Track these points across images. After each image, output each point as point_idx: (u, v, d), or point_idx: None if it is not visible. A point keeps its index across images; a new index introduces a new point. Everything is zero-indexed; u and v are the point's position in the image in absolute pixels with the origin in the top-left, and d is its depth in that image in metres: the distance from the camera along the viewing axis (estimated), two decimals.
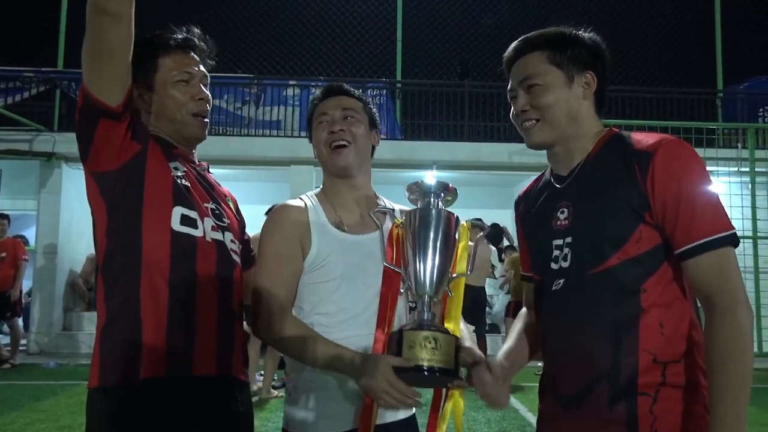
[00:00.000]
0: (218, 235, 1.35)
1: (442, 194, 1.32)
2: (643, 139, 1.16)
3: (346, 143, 1.44)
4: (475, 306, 6.86)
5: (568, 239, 1.19)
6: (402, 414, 1.40)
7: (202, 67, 1.38)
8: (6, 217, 7.35)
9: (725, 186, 8.97)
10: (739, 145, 9.07)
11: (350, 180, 1.47)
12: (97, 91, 1.17)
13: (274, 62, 10.64)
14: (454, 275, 1.35)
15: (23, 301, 7.78)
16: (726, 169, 8.84)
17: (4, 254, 7.05)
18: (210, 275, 1.30)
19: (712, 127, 9.25)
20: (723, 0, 10.93)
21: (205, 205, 1.36)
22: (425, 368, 1.15)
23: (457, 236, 1.33)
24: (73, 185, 8.57)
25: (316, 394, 1.37)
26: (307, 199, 1.48)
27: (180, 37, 1.34)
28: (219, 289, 1.32)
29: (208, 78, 1.40)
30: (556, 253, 1.21)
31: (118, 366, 1.21)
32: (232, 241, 1.40)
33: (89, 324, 8.35)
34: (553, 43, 1.22)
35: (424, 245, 1.26)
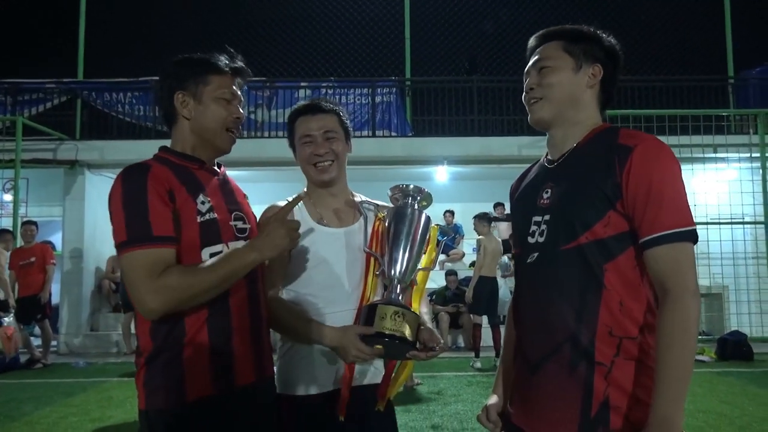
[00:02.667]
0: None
1: (419, 197, 1.60)
2: (629, 134, 1.25)
3: (330, 162, 1.67)
4: (490, 296, 6.91)
5: (547, 216, 1.29)
6: (371, 380, 1.65)
7: (240, 91, 1.55)
8: (34, 223, 7.62)
9: (737, 172, 8.95)
10: (751, 131, 9.04)
11: (331, 188, 1.72)
12: None
13: (285, 64, 10.81)
14: (420, 268, 1.61)
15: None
16: (737, 155, 8.82)
17: (33, 259, 7.32)
18: (241, 292, 1.45)
19: (724, 113, 9.18)
20: None
21: (231, 209, 1.51)
22: (394, 336, 1.42)
23: (428, 236, 1.59)
24: (95, 191, 8.85)
25: (305, 360, 1.60)
26: None
27: (232, 64, 1.52)
28: (249, 300, 1.47)
29: (243, 100, 1.58)
30: (533, 228, 1.32)
31: (171, 389, 1.35)
32: None
33: (115, 324, 8.63)
34: (570, 35, 1.35)
35: (397, 238, 1.54)
